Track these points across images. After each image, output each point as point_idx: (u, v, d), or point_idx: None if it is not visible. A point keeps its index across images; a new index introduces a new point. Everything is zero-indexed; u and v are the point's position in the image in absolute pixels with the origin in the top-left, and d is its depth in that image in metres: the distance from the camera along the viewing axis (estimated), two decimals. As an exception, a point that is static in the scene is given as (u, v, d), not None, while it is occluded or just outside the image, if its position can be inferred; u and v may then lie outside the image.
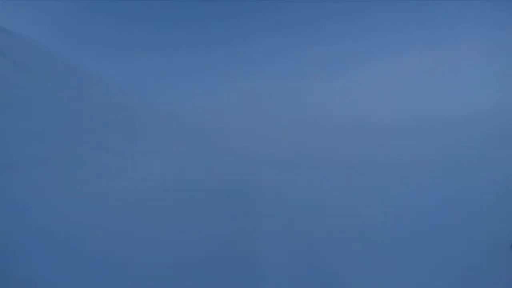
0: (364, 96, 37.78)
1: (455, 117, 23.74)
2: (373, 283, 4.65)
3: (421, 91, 37.89)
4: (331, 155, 17.10)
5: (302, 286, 4.20)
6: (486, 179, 9.85)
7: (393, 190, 9.79)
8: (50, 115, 6.44)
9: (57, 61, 11.69)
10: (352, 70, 56.87)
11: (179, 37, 67.01)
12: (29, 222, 3.16)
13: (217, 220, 5.21)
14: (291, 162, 15.77)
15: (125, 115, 10.15)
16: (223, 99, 39.92)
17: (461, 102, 28.64)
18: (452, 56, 45.26)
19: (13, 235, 2.92)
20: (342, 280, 4.56)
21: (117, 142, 6.99)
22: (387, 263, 5.25)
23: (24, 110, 6.00)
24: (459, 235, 6.32)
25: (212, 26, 66.10)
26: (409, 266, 5.14)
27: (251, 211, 6.68)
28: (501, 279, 4.92)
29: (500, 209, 7.43)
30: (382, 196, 9.30)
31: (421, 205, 8.34)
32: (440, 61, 45.06)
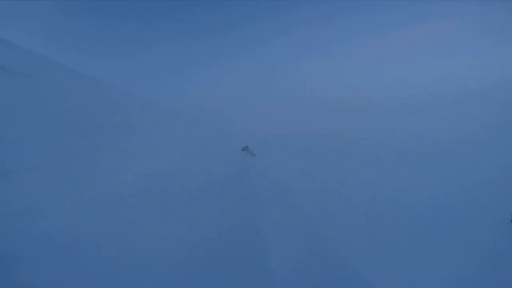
0: (358, 75, 37.63)
1: (450, 95, 23.69)
2: (381, 266, 4.63)
3: (416, 68, 37.71)
4: (331, 137, 17.01)
5: (308, 273, 4.17)
6: (491, 159, 9.90)
7: (398, 173, 9.80)
8: (46, 118, 6.33)
9: (49, 64, 11.50)
10: (343, 48, 56.45)
11: (169, 30, 65.81)
12: (31, 227, 3.09)
13: (221, 209, 5.13)
14: (289, 145, 15.67)
15: (122, 112, 10.05)
16: (217, 85, 39.79)
17: (454, 80, 28.61)
18: (444, 32, 44.92)
19: (16, 242, 2.85)
20: (352, 266, 4.49)
21: (117, 140, 6.91)
22: (393, 247, 5.24)
23: (20, 114, 5.89)
24: (466, 216, 6.36)
25: (200, 15, 64.85)
26: (418, 250, 5.14)
27: (254, 197, 6.65)
28: (506, 255, 4.99)
29: (505, 188, 7.50)
30: (387, 178, 9.29)
31: (427, 187, 8.36)
32: (432, 37, 44.77)
